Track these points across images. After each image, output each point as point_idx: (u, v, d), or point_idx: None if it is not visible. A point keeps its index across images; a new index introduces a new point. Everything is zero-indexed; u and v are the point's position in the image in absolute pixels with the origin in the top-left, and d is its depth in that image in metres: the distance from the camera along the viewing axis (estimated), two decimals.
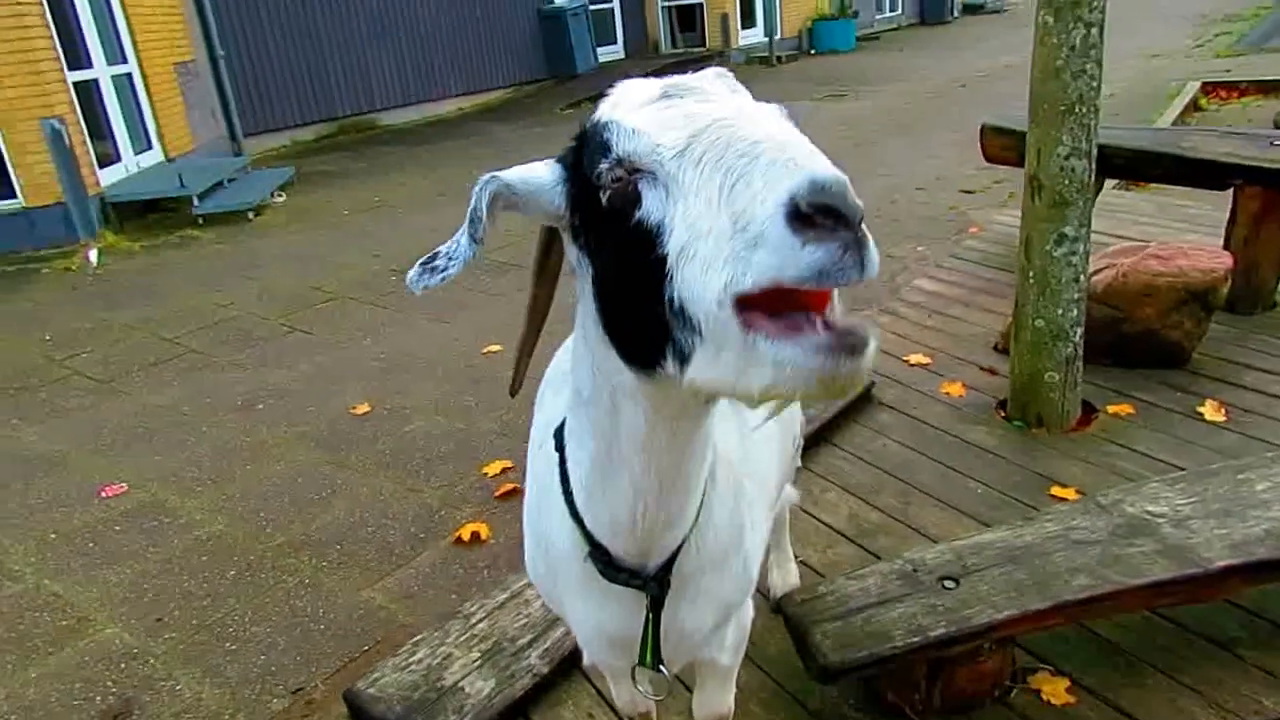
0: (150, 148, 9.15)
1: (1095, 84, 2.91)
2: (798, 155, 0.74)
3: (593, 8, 16.03)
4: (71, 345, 5.39)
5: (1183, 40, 15.15)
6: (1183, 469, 2.66)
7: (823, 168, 0.71)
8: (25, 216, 7.38)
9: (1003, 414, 3.38)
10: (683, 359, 0.85)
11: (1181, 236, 4.80)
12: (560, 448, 1.25)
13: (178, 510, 3.46)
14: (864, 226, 0.71)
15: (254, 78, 11.48)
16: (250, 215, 8.23)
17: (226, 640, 2.72)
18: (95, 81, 8.25)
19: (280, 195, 8.99)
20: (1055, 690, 2.06)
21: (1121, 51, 14.46)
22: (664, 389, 0.97)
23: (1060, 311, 3.11)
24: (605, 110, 0.93)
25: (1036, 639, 2.20)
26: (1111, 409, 3.32)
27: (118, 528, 3.38)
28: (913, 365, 3.87)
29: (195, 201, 8.10)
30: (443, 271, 0.96)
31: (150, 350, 5.21)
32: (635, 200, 0.85)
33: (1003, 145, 4.86)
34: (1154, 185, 6.04)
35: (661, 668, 1.31)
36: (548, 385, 1.55)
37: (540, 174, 1.00)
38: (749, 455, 1.42)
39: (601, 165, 0.88)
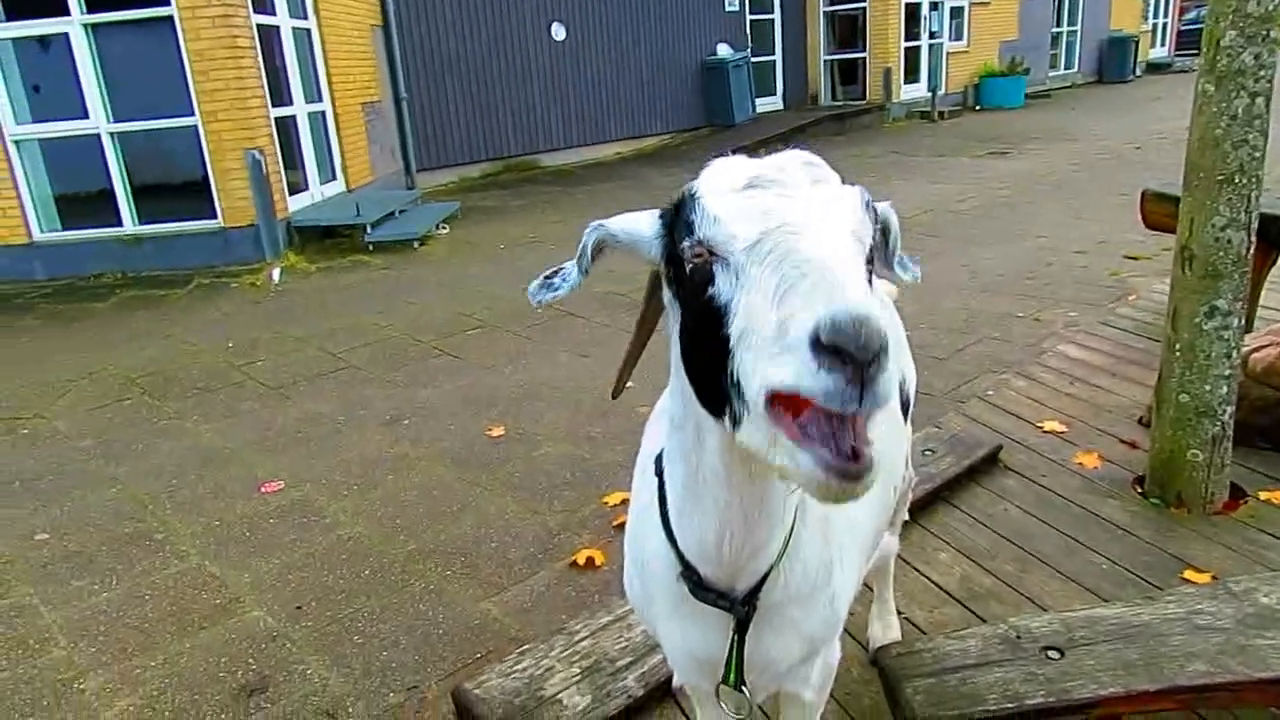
0: (334, 179, 9.98)
1: (1259, 154, 2.79)
2: (834, 285, 0.84)
3: (755, 60, 16.31)
4: (250, 354, 5.94)
5: None
6: None
7: (844, 308, 0.80)
8: (222, 235, 8.20)
9: (1139, 490, 3.23)
10: (735, 422, 0.96)
11: None
12: (660, 472, 1.35)
13: (324, 510, 3.76)
14: (881, 361, 0.79)
15: (431, 119, 12.33)
16: (416, 245, 8.82)
17: (355, 634, 2.93)
18: (293, 117, 9.11)
19: (444, 227, 9.59)
20: None
21: None
22: None
23: (1208, 388, 2.96)
24: (700, 186, 1.04)
25: None
26: (1264, 495, 3.11)
27: (272, 521, 3.70)
28: (1046, 432, 3.74)
29: (368, 230, 8.77)
30: (555, 290, 1.16)
31: (316, 363, 5.67)
32: (710, 279, 0.98)
33: (1165, 213, 4.62)
34: None
35: (745, 688, 1.37)
36: (655, 417, 1.65)
37: (642, 227, 1.15)
38: None
39: (685, 242, 1.01)
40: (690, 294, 1.02)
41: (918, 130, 16.09)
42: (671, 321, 1.13)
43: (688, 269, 1.01)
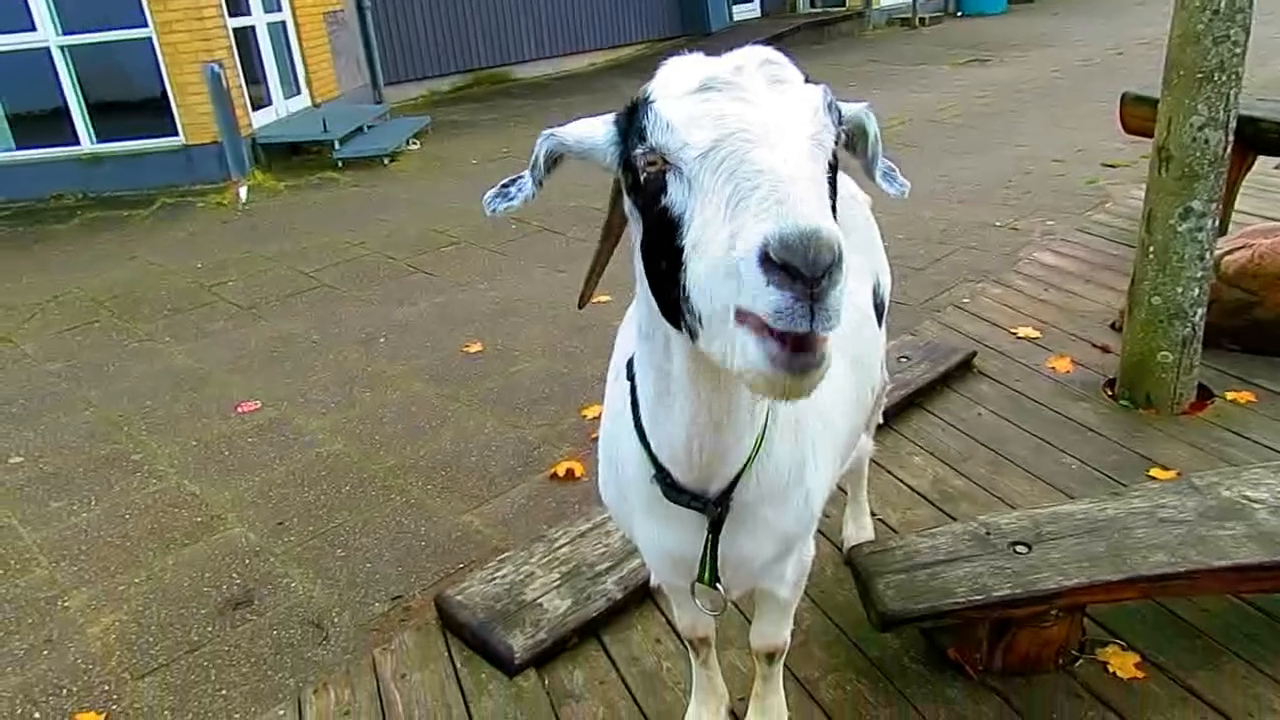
0: (299, 93, 9.66)
1: (1239, 50, 2.74)
2: (785, 199, 0.82)
3: None
4: (219, 274, 5.84)
5: None
6: None
7: (794, 224, 0.78)
8: (185, 154, 7.96)
9: (1110, 393, 3.27)
10: (692, 334, 0.96)
11: None
12: (631, 377, 1.34)
13: (303, 429, 3.75)
14: (833, 276, 0.78)
15: (398, 29, 11.88)
16: (385, 161, 8.62)
17: (338, 548, 2.96)
18: (252, 28, 8.75)
19: (415, 143, 9.36)
20: (1123, 664, 2.03)
21: None
22: None
23: (1180, 290, 2.97)
24: (652, 90, 0.99)
25: (1110, 613, 2.17)
26: (1230, 395, 3.16)
27: (250, 440, 3.69)
28: (1020, 338, 3.76)
29: (336, 146, 8.55)
30: (511, 199, 1.13)
31: (288, 282, 5.59)
32: (664, 188, 0.95)
33: (1144, 116, 4.59)
34: None
35: (719, 585, 1.39)
36: (625, 323, 1.64)
37: (595, 134, 1.10)
38: (816, 397, 1.47)
39: (638, 150, 0.98)
40: (645, 203, 0.99)
41: (898, 37, 15.74)
42: (634, 231, 1.10)
43: (641, 178, 0.98)
